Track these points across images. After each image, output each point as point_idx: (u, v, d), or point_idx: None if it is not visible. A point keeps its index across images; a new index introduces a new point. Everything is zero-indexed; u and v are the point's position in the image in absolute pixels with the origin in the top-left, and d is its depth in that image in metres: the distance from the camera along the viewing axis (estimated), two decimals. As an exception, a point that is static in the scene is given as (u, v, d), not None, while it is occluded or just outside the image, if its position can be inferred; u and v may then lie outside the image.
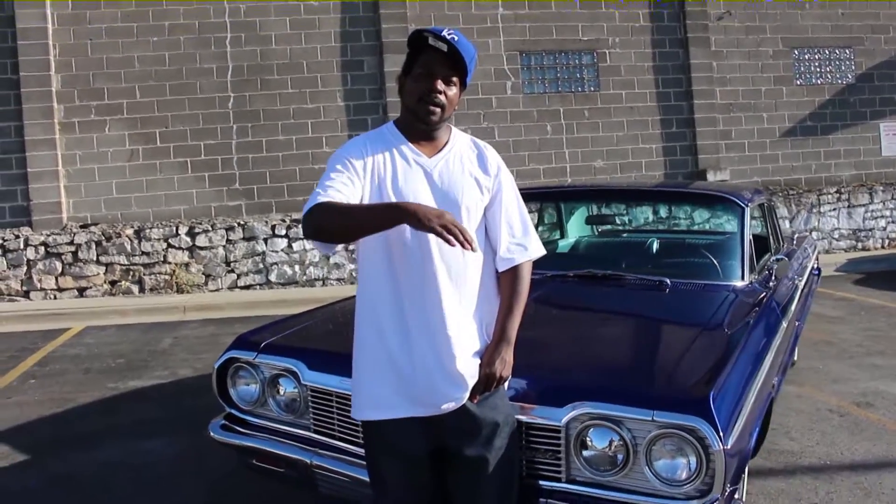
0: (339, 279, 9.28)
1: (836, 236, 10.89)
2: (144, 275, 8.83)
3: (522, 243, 1.98)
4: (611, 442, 2.02)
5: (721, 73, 11.10)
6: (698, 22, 10.94)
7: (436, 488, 1.98)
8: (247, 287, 9.05)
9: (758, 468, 3.34)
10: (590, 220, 4.81)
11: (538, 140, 10.55)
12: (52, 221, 9.15)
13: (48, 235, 8.77)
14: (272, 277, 9.12)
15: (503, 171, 2.00)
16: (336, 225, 1.75)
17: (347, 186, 1.82)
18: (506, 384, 1.97)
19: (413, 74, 1.86)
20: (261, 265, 9.12)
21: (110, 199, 9.46)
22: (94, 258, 8.75)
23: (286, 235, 9.17)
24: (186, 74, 9.64)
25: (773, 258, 3.66)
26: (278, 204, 9.82)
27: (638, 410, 1.97)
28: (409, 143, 1.92)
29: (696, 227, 8.03)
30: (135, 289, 8.79)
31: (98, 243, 8.76)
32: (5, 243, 8.65)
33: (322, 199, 1.76)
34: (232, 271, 9.05)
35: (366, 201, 1.85)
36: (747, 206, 3.62)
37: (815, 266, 5.41)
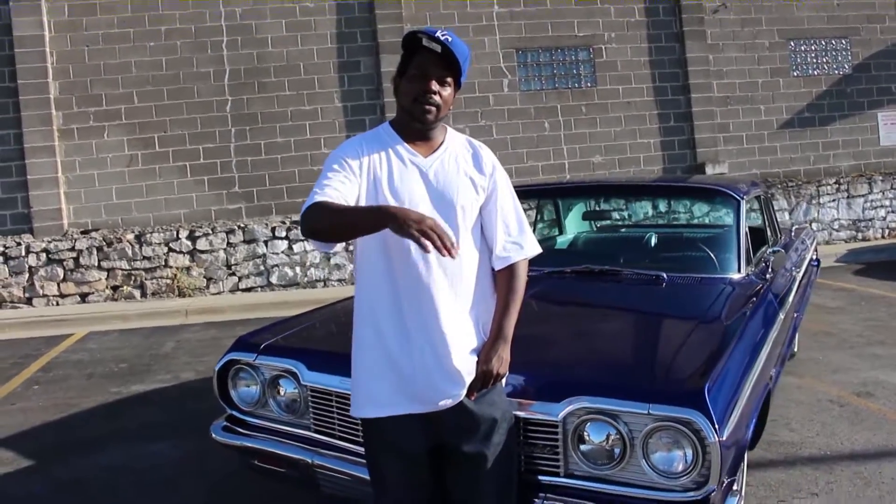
0: (340, 280, 9.30)
1: (836, 227, 10.89)
2: (146, 279, 8.86)
3: (518, 242, 2.00)
4: (608, 436, 2.03)
5: (717, 66, 11.09)
6: (694, 15, 10.93)
7: (435, 487, 2.00)
8: (248, 289, 9.07)
9: (758, 459, 3.36)
10: (586, 216, 4.83)
11: (536, 137, 10.55)
12: (53, 228, 9.18)
13: (49, 242, 8.80)
14: (273, 279, 9.14)
15: (498, 171, 2.02)
16: (330, 224, 1.77)
17: (344, 185, 1.84)
18: (503, 381, 1.99)
19: (408, 75, 1.88)
20: (262, 267, 9.14)
21: (110, 204, 9.48)
22: (96, 264, 8.78)
23: (286, 237, 9.19)
24: (184, 79, 9.65)
25: (770, 250, 3.67)
26: (278, 206, 9.83)
27: (634, 404, 1.99)
28: (405, 143, 1.94)
29: (693, 221, 8.04)
30: (136, 293, 8.82)
31: (99, 249, 8.80)
32: (7, 251, 8.69)
33: (319, 198, 1.78)
34: (233, 274, 9.08)
35: (362, 201, 1.87)
36: (743, 198, 3.63)
37: (814, 257, 5.41)
